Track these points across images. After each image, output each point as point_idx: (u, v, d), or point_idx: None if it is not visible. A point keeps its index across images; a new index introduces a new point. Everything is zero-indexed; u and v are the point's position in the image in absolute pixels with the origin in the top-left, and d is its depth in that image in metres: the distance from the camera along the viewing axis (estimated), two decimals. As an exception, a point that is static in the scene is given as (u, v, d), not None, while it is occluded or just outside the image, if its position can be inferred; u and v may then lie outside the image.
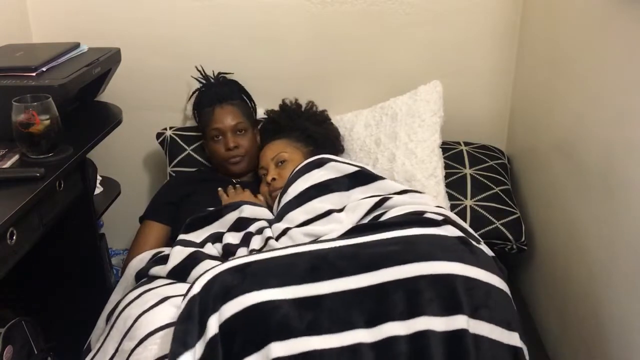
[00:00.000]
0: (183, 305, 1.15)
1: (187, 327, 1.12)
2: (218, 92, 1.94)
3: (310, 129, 1.89)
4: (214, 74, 2.02)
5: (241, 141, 1.88)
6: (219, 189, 1.78)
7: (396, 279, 1.17)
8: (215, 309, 1.13)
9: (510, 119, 2.17)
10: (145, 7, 2.04)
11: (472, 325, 1.15)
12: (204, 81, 2.01)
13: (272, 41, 2.07)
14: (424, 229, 1.30)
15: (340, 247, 1.25)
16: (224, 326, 1.11)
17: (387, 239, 1.26)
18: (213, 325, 1.11)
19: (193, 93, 2.03)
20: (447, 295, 1.16)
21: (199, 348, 1.10)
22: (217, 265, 1.23)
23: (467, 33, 2.06)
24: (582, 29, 1.57)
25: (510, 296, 1.27)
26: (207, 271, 1.22)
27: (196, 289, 1.17)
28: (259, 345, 1.09)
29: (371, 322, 1.14)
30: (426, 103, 1.96)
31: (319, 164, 1.59)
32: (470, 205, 1.88)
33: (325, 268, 1.19)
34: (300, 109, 1.99)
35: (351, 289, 1.16)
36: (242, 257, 1.25)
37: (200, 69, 2.01)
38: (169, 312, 1.26)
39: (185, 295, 1.18)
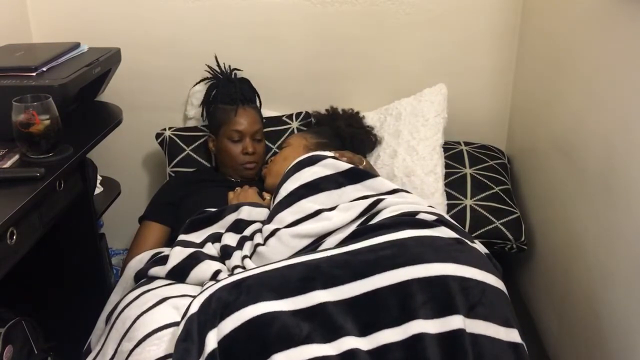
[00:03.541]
0: (182, 326, 1.16)
1: (186, 346, 1.12)
2: (243, 92, 1.93)
3: (341, 128, 1.91)
4: (225, 68, 2.00)
5: (258, 148, 1.88)
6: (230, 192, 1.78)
7: (389, 285, 1.17)
8: (213, 325, 1.14)
9: (510, 119, 2.17)
10: (145, 7, 2.04)
11: (468, 325, 1.15)
12: (219, 74, 1.99)
13: (272, 41, 2.08)
14: (416, 231, 1.30)
15: (332, 256, 1.25)
16: (223, 342, 1.11)
17: (379, 244, 1.26)
18: (212, 340, 1.11)
19: (201, 81, 2.01)
20: (441, 296, 1.16)
21: None
22: (212, 285, 1.24)
23: (467, 33, 2.06)
24: (582, 28, 1.57)
25: (507, 294, 1.27)
26: (203, 290, 1.22)
27: (194, 308, 1.17)
28: (260, 357, 1.09)
29: (366, 330, 1.14)
30: (430, 104, 1.97)
31: (311, 161, 1.57)
32: (470, 205, 1.88)
33: (319, 278, 1.19)
34: (337, 112, 2.02)
35: (345, 297, 1.16)
36: (236, 274, 1.26)
37: (216, 60, 1.99)
38: (168, 312, 1.26)
39: (183, 315, 1.18)
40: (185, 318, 1.16)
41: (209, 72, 2.01)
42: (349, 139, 1.90)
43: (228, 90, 1.94)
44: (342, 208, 1.45)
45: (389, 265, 1.19)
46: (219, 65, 2.01)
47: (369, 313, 1.15)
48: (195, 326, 1.14)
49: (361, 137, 1.94)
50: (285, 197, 1.50)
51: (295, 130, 2.06)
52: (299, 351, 1.09)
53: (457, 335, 1.13)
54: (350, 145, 1.88)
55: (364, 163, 1.73)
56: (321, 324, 1.13)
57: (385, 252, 1.23)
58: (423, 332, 1.12)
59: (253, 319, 1.12)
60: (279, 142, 2.04)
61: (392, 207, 1.41)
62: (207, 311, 1.16)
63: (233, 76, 2.01)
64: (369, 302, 1.16)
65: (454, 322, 1.14)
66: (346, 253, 1.25)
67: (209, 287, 1.23)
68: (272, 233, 1.41)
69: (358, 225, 1.40)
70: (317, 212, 1.44)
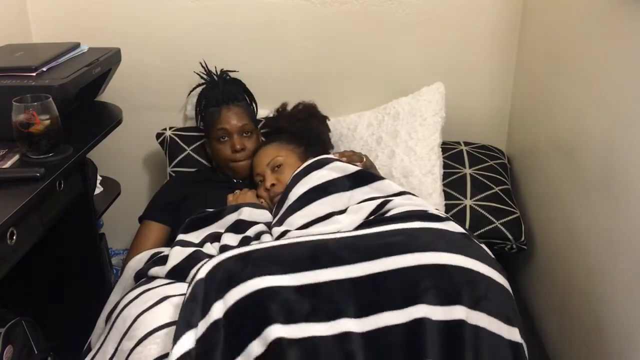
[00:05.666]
0: (189, 290, 1.19)
1: (191, 308, 1.15)
2: (225, 91, 1.92)
3: (287, 128, 1.88)
4: (216, 71, 2.01)
5: (247, 143, 1.87)
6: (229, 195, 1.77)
7: (396, 268, 1.18)
8: (219, 295, 1.16)
9: (510, 119, 2.17)
10: (145, 7, 2.04)
11: (471, 317, 1.15)
12: (207, 77, 1.99)
13: (272, 41, 2.08)
14: (426, 223, 1.32)
15: (341, 237, 1.27)
16: (228, 313, 1.13)
17: (389, 231, 1.28)
18: (217, 310, 1.14)
19: (194, 88, 2.02)
20: (447, 285, 1.17)
21: (201, 327, 1.13)
22: (219, 254, 1.26)
23: (467, 33, 2.06)
24: (582, 28, 1.57)
25: (511, 292, 1.27)
26: (211, 258, 1.24)
27: (202, 274, 1.20)
28: (260, 329, 1.10)
29: (367, 311, 1.14)
30: (428, 103, 1.97)
31: (319, 165, 1.58)
32: (470, 205, 1.88)
33: (325, 256, 1.20)
34: (284, 111, 1.97)
35: (350, 277, 1.17)
36: (244, 247, 1.28)
37: (204, 64, 2.00)
38: (168, 311, 1.26)
39: (191, 280, 1.21)
40: (193, 282, 1.19)
41: (199, 74, 2.00)
42: (305, 136, 1.85)
43: (212, 93, 1.94)
44: (351, 211, 1.46)
45: (398, 251, 1.20)
46: (207, 69, 2.00)
47: (372, 294, 1.16)
48: (202, 291, 1.17)
49: (312, 133, 1.89)
50: (295, 201, 1.52)
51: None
52: (298, 328, 1.10)
53: (458, 325, 1.14)
54: (307, 141, 1.84)
55: (364, 160, 1.74)
56: (323, 303, 1.14)
57: (394, 238, 1.25)
58: (425, 317, 1.13)
59: (257, 292, 1.14)
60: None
61: (400, 208, 1.42)
62: (214, 279, 1.18)
63: (225, 77, 1.99)
64: (374, 284, 1.17)
65: (457, 312, 1.15)
66: (355, 237, 1.27)
67: (216, 256, 1.25)
68: (283, 234, 1.42)
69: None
70: (328, 215, 1.46)
